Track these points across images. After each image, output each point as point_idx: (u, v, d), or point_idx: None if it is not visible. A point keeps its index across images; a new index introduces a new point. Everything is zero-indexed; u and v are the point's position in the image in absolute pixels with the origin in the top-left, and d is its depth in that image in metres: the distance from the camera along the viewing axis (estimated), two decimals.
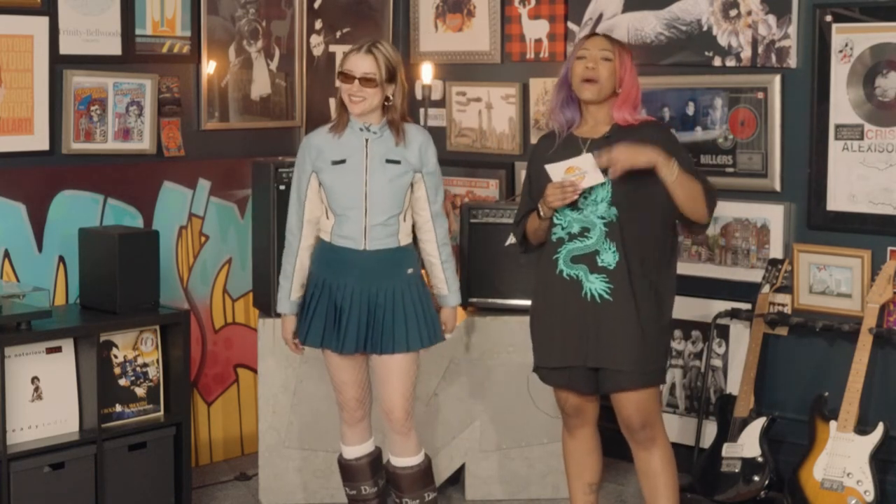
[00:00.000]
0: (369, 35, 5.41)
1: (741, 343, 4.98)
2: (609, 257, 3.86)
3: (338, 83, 4.02)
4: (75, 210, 4.81)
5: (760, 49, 4.89)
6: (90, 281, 4.65)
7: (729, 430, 4.76)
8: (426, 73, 5.50)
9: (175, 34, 5.10)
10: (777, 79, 4.86)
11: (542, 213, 3.93)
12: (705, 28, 5.03)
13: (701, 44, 5.04)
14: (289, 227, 4.14)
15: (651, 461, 4.01)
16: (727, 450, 4.74)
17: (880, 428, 4.44)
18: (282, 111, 5.55)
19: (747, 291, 4.95)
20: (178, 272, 5.18)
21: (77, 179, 4.82)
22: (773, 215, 4.91)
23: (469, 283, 4.97)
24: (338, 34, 5.74)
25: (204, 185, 5.25)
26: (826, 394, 4.59)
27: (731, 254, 5.04)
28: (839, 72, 4.69)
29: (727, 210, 5.00)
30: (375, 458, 4.29)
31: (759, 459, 4.67)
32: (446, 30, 5.82)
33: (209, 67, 5.22)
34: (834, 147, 4.73)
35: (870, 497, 4.37)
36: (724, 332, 5.07)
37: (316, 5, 5.64)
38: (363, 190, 4.00)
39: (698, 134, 5.04)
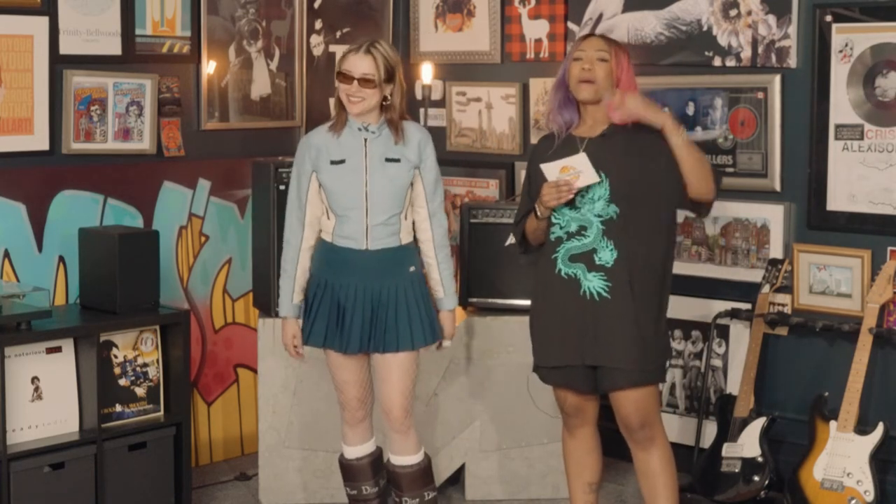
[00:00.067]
0: (369, 35, 5.42)
1: (741, 343, 4.98)
2: (607, 255, 3.87)
3: (336, 83, 4.01)
4: (75, 210, 4.81)
5: (760, 49, 4.89)
6: (90, 281, 4.65)
7: (729, 430, 4.76)
8: (426, 73, 5.50)
9: (175, 34, 5.10)
10: (777, 79, 4.86)
11: (539, 213, 3.95)
12: (705, 28, 5.03)
13: (701, 44, 5.04)
14: (290, 229, 4.12)
15: (650, 461, 4.01)
16: (727, 450, 4.74)
17: (880, 428, 4.44)
18: (282, 111, 5.55)
19: (747, 291, 4.95)
20: (178, 272, 5.18)
21: (77, 179, 4.82)
22: (773, 215, 4.91)
23: (469, 283, 4.97)
24: (338, 34, 5.74)
25: (204, 185, 5.25)
26: (826, 394, 4.59)
27: (731, 254, 5.04)
28: (839, 72, 4.69)
29: (727, 210, 5.00)
30: (376, 458, 4.29)
31: (759, 459, 4.67)
32: (446, 30, 5.82)
33: (209, 67, 5.22)
34: (834, 147, 4.73)
35: (870, 497, 4.37)
36: (724, 332, 5.07)
37: (316, 5, 5.65)
38: (363, 190, 4.00)
39: (698, 134, 5.03)
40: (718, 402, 4.90)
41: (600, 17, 5.31)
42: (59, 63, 4.73)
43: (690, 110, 5.07)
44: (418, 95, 5.79)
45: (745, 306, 4.95)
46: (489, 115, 5.71)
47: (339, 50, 5.66)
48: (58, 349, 4.42)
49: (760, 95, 4.89)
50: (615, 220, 3.85)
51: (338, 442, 4.34)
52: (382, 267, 4.04)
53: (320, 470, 4.86)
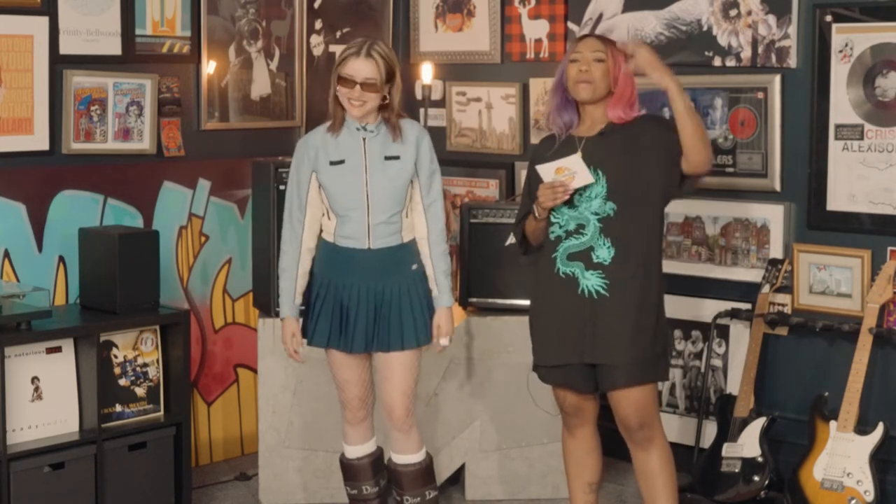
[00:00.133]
0: (369, 34, 5.42)
1: (741, 343, 4.98)
2: (604, 252, 3.87)
3: (336, 87, 3.99)
4: (75, 210, 4.81)
5: (760, 49, 4.89)
6: (90, 281, 4.65)
7: (729, 430, 4.76)
8: (426, 73, 5.50)
9: (175, 34, 5.10)
10: (777, 79, 4.86)
11: (537, 214, 3.96)
12: (705, 28, 5.03)
13: (701, 44, 5.04)
14: (290, 231, 4.10)
15: (649, 461, 4.01)
16: (727, 450, 4.74)
17: (880, 428, 4.44)
18: (282, 111, 5.55)
19: (747, 291, 4.95)
20: (178, 272, 5.18)
21: (77, 179, 4.82)
22: (773, 215, 4.91)
23: (469, 283, 4.97)
24: (338, 34, 5.74)
25: (204, 185, 5.25)
26: (826, 394, 4.59)
27: (731, 254, 5.04)
28: (839, 72, 4.69)
29: (727, 210, 5.00)
30: (377, 457, 4.29)
31: (759, 459, 4.67)
32: (446, 30, 5.82)
33: (209, 67, 5.22)
34: (834, 147, 4.73)
35: (870, 497, 4.37)
36: (724, 332, 5.07)
37: (316, 5, 5.65)
38: (364, 190, 4.00)
39: None
40: (718, 402, 4.90)
41: (600, 17, 5.31)
42: (59, 63, 4.73)
43: None
44: (418, 95, 5.79)
45: (745, 306, 4.95)
46: (489, 115, 5.71)
47: (339, 50, 5.64)
48: (58, 349, 4.42)
49: (760, 95, 4.89)
50: (612, 217, 3.87)
51: (338, 442, 4.34)
52: (385, 266, 4.04)
53: (320, 470, 4.86)
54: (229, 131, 5.37)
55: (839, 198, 4.74)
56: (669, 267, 4.55)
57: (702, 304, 5.10)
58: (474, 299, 4.98)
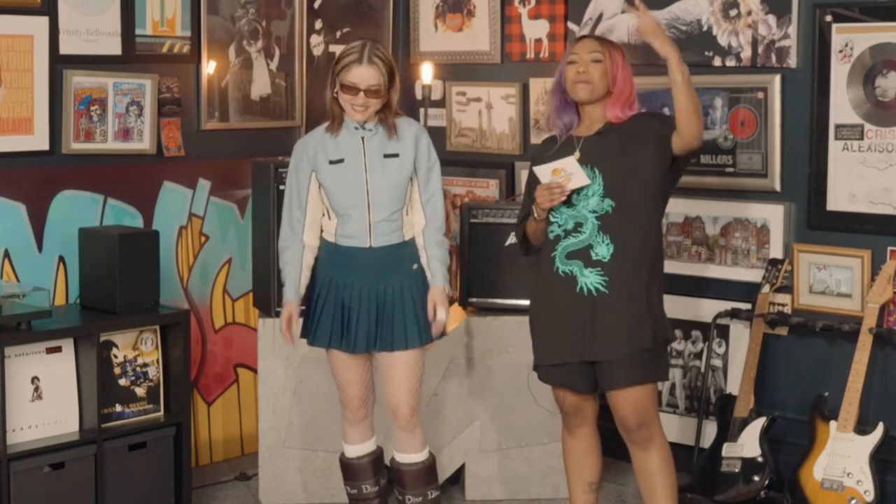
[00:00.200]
0: (369, 35, 5.42)
1: (741, 343, 4.98)
2: (603, 250, 3.88)
3: (339, 93, 3.98)
4: (75, 210, 4.81)
5: (760, 49, 4.89)
6: (90, 281, 4.65)
7: (729, 430, 4.76)
8: (426, 73, 5.50)
9: (175, 34, 5.10)
10: (777, 79, 4.86)
11: (536, 215, 3.97)
12: (705, 28, 5.03)
13: (701, 44, 5.04)
14: (291, 229, 4.10)
15: (649, 461, 4.01)
16: (727, 450, 4.74)
17: (880, 428, 4.44)
18: (282, 111, 5.55)
19: (747, 291, 4.95)
20: (178, 272, 5.18)
21: (77, 179, 4.82)
22: (773, 215, 4.91)
23: (469, 283, 4.97)
24: (338, 34, 5.74)
25: (204, 185, 5.25)
26: (826, 394, 4.59)
27: (731, 254, 5.04)
28: (839, 72, 4.69)
29: (727, 210, 5.00)
30: (377, 457, 4.29)
31: (759, 459, 4.67)
32: (446, 30, 5.82)
33: (209, 67, 5.22)
34: (834, 147, 4.73)
35: (870, 497, 4.37)
36: (724, 332, 5.07)
37: (316, 5, 5.65)
38: (364, 188, 4.00)
39: None
40: (718, 402, 4.90)
41: (600, 17, 5.31)
42: (59, 63, 4.73)
43: None
44: (418, 95, 5.79)
45: (745, 306, 4.95)
46: (489, 115, 5.71)
47: (339, 50, 5.65)
48: (58, 349, 4.42)
49: (760, 95, 4.89)
50: (610, 214, 3.88)
51: (338, 442, 4.34)
52: (386, 264, 4.04)
53: (320, 470, 4.86)
54: (229, 131, 5.37)
55: (839, 198, 4.74)
56: (669, 267, 4.55)
57: (702, 304, 5.10)
58: (474, 299, 4.98)
